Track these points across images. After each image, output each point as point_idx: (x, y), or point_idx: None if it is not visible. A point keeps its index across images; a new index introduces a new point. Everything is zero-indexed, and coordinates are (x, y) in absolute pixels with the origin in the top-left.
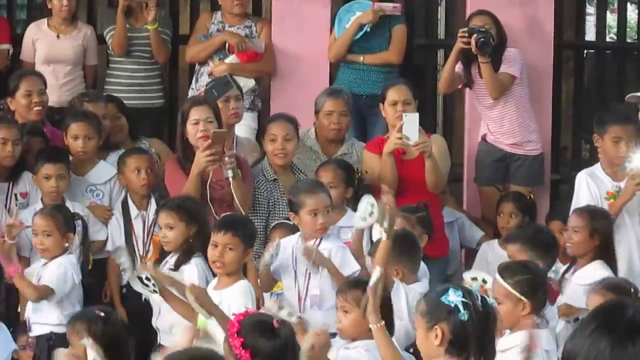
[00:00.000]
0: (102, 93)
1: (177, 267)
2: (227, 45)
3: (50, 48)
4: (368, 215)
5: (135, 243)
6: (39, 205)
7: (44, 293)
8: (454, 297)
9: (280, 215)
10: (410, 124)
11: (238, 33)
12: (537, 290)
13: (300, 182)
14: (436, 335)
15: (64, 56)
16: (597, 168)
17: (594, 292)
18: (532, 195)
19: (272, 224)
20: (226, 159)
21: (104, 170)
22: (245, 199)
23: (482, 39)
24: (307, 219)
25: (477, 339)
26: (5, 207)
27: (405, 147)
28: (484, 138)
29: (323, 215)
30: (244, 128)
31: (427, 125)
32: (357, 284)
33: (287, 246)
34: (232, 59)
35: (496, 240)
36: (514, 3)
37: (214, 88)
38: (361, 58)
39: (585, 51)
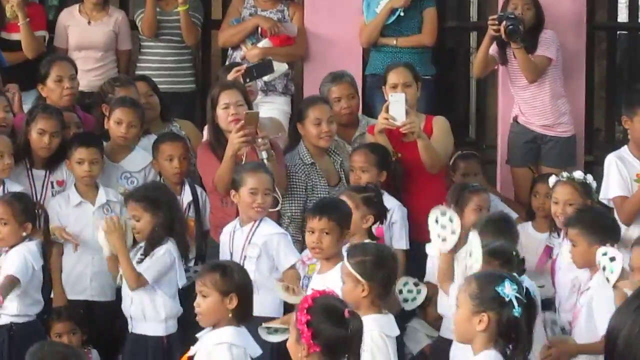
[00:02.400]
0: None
1: (144, 257)
2: (259, 29)
3: (82, 34)
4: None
5: None
6: (72, 192)
7: (11, 284)
8: (509, 290)
9: (318, 198)
10: (397, 104)
11: (270, 17)
12: (377, 273)
13: (247, 163)
14: (480, 321)
15: (95, 42)
16: (625, 150)
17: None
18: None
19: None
20: (259, 140)
21: (139, 158)
22: (280, 180)
23: (511, 27)
24: (246, 197)
25: (522, 333)
26: (41, 195)
27: (392, 127)
28: (515, 119)
29: (262, 196)
30: (277, 112)
31: (459, 108)
32: (215, 267)
33: (226, 231)
34: (264, 43)
35: (530, 223)
36: None
37: (255, 68)
38: (394, 41)
39: (617, 32)
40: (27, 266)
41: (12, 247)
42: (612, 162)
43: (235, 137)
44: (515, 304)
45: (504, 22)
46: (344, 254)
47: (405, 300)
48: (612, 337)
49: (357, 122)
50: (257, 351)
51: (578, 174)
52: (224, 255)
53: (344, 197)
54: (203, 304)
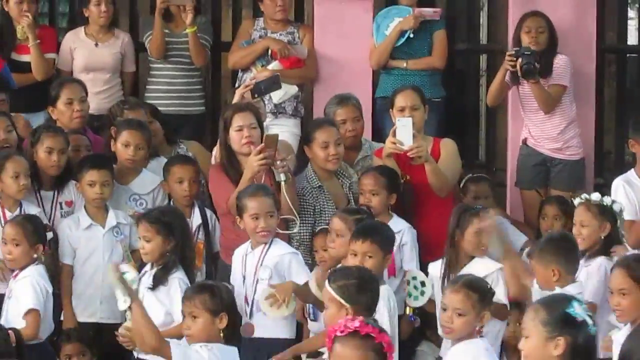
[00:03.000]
0: (141, 100)
1: (155, 285)
2: (269, 51)
3: (90, 56)
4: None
5: None
6: (82, 214)
7: (36, 318)
8: (579, 310)
9: (327, 221)
10: (404, 129)
11: (280, 39)
12: (361, 297)
13: (247, 187)
14: (557, 346)
15: (103, 64)
16: (632, 174)
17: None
18: (573, 199)
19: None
20: (278, 162)
21: (147, 180)
22: (294, 203)
23: (526, 66)
24: (249, 222)
25: (595, 351)
26: (50, 216)
27: (399, 152)
28: (524, 142)
29: (265, 219)
30: (287, 135)
31: (468, 130)
32: (203, 288)
33: (238, 254)
34: (274, 65)
35: None
36: (556, 7)
37: (263, 84)
38: (404, 64)
39: (627, 55)
40: (41, 292)
41: (21, 268)
42: (619, 186)
43: (255, 160)
44: (589, 321)
45: (519, 60)
46: (327, 280)
47: (409, 295)
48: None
49: (360, 145)
50: None
51: (595, 196)
52: (235, 278)
53: (336, 220)
54: (194, 326)
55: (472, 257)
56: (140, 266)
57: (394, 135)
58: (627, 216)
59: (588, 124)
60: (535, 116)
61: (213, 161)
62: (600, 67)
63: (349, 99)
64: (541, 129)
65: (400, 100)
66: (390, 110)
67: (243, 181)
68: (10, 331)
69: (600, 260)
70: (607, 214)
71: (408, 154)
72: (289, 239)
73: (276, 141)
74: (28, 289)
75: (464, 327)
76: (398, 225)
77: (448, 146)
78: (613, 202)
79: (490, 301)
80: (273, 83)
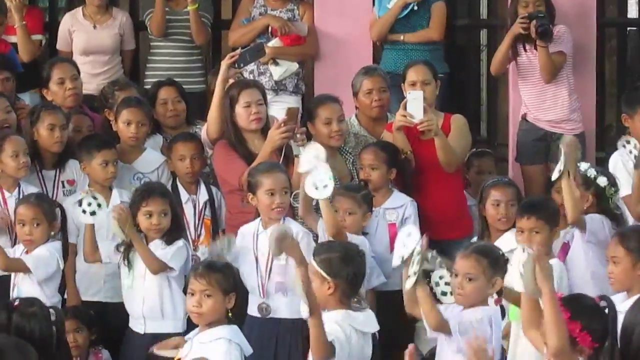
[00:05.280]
0: (142, 78)
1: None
2: (270, 28)
3: (89, 39)
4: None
5: (187, 227)
6: None
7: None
8: None
9: (330, 197)
10: (415, 102)
11: (280, 16)
12: (343, 270)
13: (260, 163)
14: None
15: (102, 46)
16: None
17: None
18: None
19: None
20: (298, 135)
21: (151, 158)
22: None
23: (543, 27)
24: (264, 199)
25: None
26: (53, 195)
27: (410, 125)
28: (524, 117)
29: (280, 196)
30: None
31: (470, 106)
32: (216, 267)
33: (247, 232)
34: (275, 42)
35: None
36: None
37: (248, 53)
38: (402, 37)
39: (628, 28)
40: (50, 261)
41: (36, 247)
42: (617, 161)
43: (277, 133)
44: None
45: (534, 21)
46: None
47: (444, 294)
48: (627, 333)
49: (386, 118)
50: (250, 350)
51: (583, 166)
52: (246, 258)
53: (345, 199)
54: (205, 304)
55: (504, 232)
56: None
57: (405, 108)
58: (629, 190)
59: (589, 98)
60: (534, 89)
61: (204, 137)
62: (600, 41)
63: (376, 69)
64: (541, 101)
65: (411, 75)
66: (402, 84)
67: (263, 155)
68: (52, 309)
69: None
70: (591, 185)
71: (418, 127)
72: (293, 216)
73: (297, 114)
74: (52, 256)
75: (475, 292)
76: (399, 199)
77: (459, 122)
78: (598, 174)
79: (503, 268)
80: (257, 51)
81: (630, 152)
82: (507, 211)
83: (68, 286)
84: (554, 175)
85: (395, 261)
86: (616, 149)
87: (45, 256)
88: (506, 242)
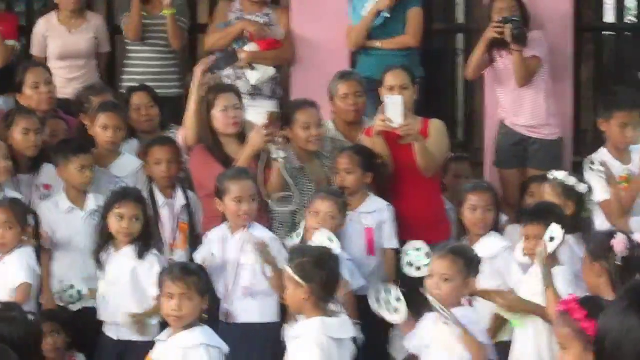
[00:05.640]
0: (117, 82)
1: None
2: (246, 33)
3: (64, 44)
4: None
5: (163, 230)
6: (62, 198)
7: (27, 291)
8: None
9: (306, 203)
10: (394, 107)
11: (257, 21)
12: (316, 275)
13: (228, 169)
14: None
15: (78, 51)
16: (603, 153)
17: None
18: None
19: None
20: (279, 139)
21: (128, 162)
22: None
23: (518, 30)
24: (231, 205)
25: None
26: (28, 199)
27: (389, 130)
28: (502, 122)
29: (247, 203)
30: (265, 116)
31: (446, 110)
32: (192, 270)
33: (215, 237)
34: (251, 47)
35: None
36: None
37: (222, 59)
38: (379, 44)
39: (604, 33)
40: (33, 270)
41: (9, 252)
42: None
43: (259, 137)
44: None
45: (509, 25)
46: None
47: (410, 265)
48: (600, 338)
49: (362, 122)
50: (226, 348)
51: (561, 175)
52: (215, 262)
53: (327, 203)
54: (185, 307)
55: (481, 236)
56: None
57: (384, 112)
58: (606, 196)
59: (566, 102)
60: (511, 94)
61: (181, 142)
62: (577, 46)
63: (351, 74)
64: (518, 106)
65: (390, 80)
66: (380, 89)
67: (243, 158)
68: (29, 314)
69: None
70: (570, 193)
71: (399, 131)
72: (269, 220)
73: (278, 118)
74: (22, 264)
75: (451, 292)
76: (376, 204)
77: (437, 126)
78: (577, 182)
79: (477, 268)
80: (231, 57)
81: (600, 170)
82: (484, 216)
83: (44, 291)
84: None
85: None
86: (594, 152)
87: (28, 266)
88: (485, 247)
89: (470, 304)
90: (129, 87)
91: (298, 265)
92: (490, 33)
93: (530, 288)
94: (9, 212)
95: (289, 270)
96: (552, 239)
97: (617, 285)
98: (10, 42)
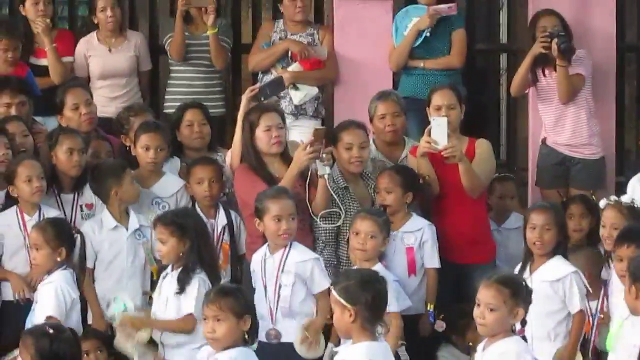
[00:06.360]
0: (161, 103)
1: (181, 288)
2: (289, 53)
3: (105, 63)
4: None
5: None
6: (107, 217)
7: None
8: None
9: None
10: (439, 128)
11: (300, 41)
12: (362, 297)
13: (268, 189)
14: None
15: (119, 70)
16: None
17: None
18: (594, 197)
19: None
20: (324, 155)
21: (170, 183)
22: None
23: (565, 44)
24: (271, 224)
25: None
26: (71, 219)
27: (434, 151)
28: (544, 141)
29: (287, 222)
30: (308, 136)
31: (490, 129)
32: (227, 291)
33: (257, 258)
34: (295, 66)
35: None
36: (576, 5)
37: (268, 86)
38: (422, 64)
39: None
40: (63, 300)
41: (48, 273)
42: (637, 185)
43: (304, 154)
44: None
45: (555, 39)
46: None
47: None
48: None
49: (403, 143)
50: None
51: (626, 198)
52: (256, 283)
53: (368, 222)
54: (219, 329)
55: (547, 259)
56: (161, 268)
57: (429, 134)
58: None
59: (609, 122)
60: (554, 113)
61: (228, 162)
62: (620, 66)
63: (390, 94)
64: (561, 125)
65: (437, 99)
66: (427, 108)
67: (289, 176)
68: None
69: None
70: (635, 214)
71: (442, 153)
72: (313, 240)
73: (324, 135)
74: (51, 295)
75: (496, 322)
76: (418, 223)
77: (483, 147)
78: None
79: (525, 298)
80: (278, 85)
81: None
82: (541, 235)
83: (93, 310)
84: None
85: None
86: (637, 172)
87: (56, 296)
88: (549, 270)
89: (522, 334)
90: (183, 104)
91: (343, 288)
92: (537, 48)
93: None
94: (39, 234)
95: (334, 293)
96: None
97: None
98: (69, 59)
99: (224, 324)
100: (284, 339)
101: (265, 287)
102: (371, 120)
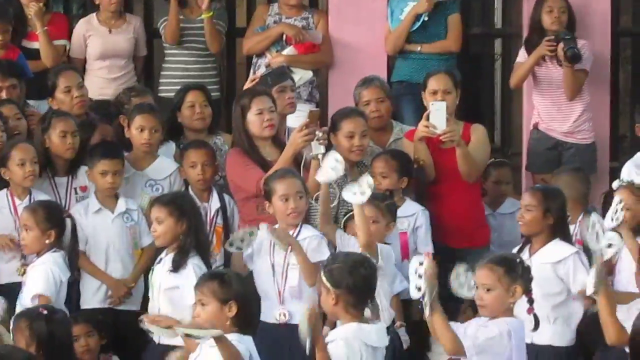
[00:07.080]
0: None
1: (175, 268)
2: (284, 36)
3: (105, 43)
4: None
5: None
6: (93, 200)
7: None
8: None
9: (349, 209)
10: (437, 113)
11: (295, 24)
12: (344, 280)
13: (274, 171)
14: None
15: (119, 50)
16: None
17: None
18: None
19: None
20: (319, 134)
21: (164, 165)
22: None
23: (572, 51)
24: (279, 205)
25: None
26: (65, 202)
27: (432, 136)
28: (535, 126)
29: (295, 200)
30: (302, 120)
31: (484, 114)
32: (213, 276)
33: (265, 238)
34: (289, 50)
35: None
36: None
37: (269, 76)
38: (418, 48)
39: None
40: (54, 281)
41: (38, 255)
42: (631, 171)
43: (300, 136)
44: None
45: (561, 44)
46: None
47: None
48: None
49: (390, 127)
50: (256, 355)
51: (638, 179)
52: (261, 265)
53: (370, 207)
54: (202, 313)
55: (546, 242)
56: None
57: (427, 119)
58: None
59: (603, 108)
60: (550, 99)
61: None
62: (615, 51)
63: (373, 80)
64: (554, 110)
65: (433, 84)
66: (423, 92)
67: (284, 158)
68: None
69: None
70: None
71: (441, 137)
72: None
73: (318, 117)
74: (41, 275)
75: (494, 302)
76: (411, 208)
77: (478, 131)
78: None
79: (522, 274)
80: (280, 74)
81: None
82: (522, 215)
83: (106, 281)
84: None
85: (413, 293)
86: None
87: (48, 277)
88: (549, 253)
89: (530, 313)
90: (185, 86)
91: (329, 271)
92: (543, 50)
93: None
94: (29, 215)
95: (321, 275)
96: (610, 245)
97: None
98: (61, 42)
99: (207, 308)
100: (292, 321)
101: (273, 267)
102: (356, 106)
